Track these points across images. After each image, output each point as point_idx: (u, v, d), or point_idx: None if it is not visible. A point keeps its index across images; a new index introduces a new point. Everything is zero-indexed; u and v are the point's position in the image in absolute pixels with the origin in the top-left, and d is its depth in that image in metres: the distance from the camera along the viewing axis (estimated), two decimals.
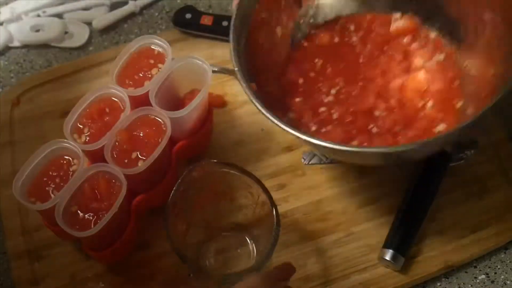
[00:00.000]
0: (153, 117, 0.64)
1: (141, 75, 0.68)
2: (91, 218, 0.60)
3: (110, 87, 0.65)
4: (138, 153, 0.63)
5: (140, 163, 0.61)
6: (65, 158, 0.63)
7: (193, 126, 0.68)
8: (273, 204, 0.58)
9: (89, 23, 0.85)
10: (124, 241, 0.63)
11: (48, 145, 0.63)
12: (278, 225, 0.57)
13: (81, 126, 0.65)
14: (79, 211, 0.60)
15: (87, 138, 0.64)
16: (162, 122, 0.64)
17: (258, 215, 0.62)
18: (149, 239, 0.67)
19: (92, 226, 0.59)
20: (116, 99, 0.66)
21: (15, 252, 0.67)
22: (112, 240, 0.63)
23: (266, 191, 0.59)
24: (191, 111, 0.64)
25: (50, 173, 0.63)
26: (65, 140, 0.63)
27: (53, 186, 0.62)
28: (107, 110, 0.65)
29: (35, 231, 0.68)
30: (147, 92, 0.65)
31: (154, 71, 0.67)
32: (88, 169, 0.61)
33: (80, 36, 0.84)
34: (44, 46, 0.84)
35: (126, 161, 0.62)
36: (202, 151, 0.72)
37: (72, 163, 0.63)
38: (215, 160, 0.66)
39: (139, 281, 0.65)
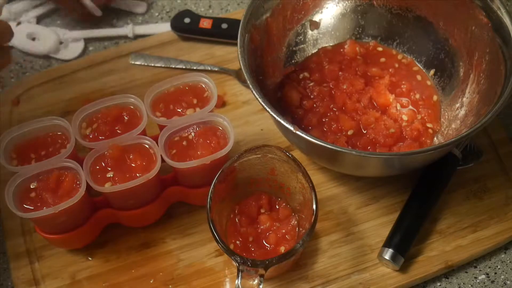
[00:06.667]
0: (152, 151, 0.62)
1: (176, 108, 0.65)
2: (40, 203, 0.59)
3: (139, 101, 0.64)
4: (113, 174, 0.60)
5: (107, 185, 0.60)
6: (62, 138, 0.63)
7: None
8: (313, 189, 0.59)
9: None
10: (74, 235, 0.63)
11: (51, 118, 0.63)
12: (317, 208, 0.58)
13: (94, 119, 0.64)
14: (34, 191, 0.60)
15: (90, 133, 0.63)
16: (154, 157, 0.61)
17: (307, 199, 0.60)
18: (149, 239, 0.67)
19: (38, 209, 0.58)
20: (138, 113, 0.64)
21: (15, 252, 0.67)
22: (61, 229, 0.63)
23: (307, 175, 0.59)
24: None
25: (43, 142, 0.63)
26: (66, 122, 0.63)
27: (35, 157, 0.62)
28: (125, 118, 0.64)
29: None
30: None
31: (189, 111, 0.64)
32: (64, 160, 0.60)
33: (75, 47, 0.83)
34: None
35: (99, 175, 0.60)
36: None
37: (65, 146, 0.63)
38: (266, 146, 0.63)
39: (139, 281, 0.65)
